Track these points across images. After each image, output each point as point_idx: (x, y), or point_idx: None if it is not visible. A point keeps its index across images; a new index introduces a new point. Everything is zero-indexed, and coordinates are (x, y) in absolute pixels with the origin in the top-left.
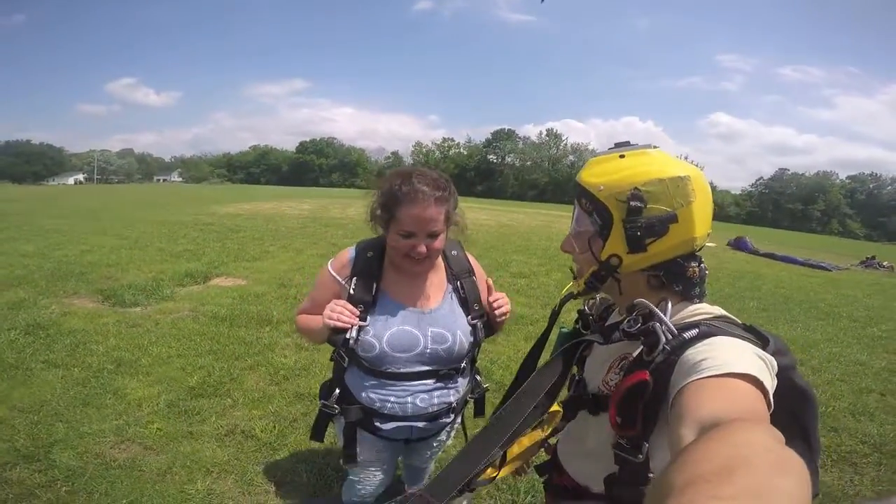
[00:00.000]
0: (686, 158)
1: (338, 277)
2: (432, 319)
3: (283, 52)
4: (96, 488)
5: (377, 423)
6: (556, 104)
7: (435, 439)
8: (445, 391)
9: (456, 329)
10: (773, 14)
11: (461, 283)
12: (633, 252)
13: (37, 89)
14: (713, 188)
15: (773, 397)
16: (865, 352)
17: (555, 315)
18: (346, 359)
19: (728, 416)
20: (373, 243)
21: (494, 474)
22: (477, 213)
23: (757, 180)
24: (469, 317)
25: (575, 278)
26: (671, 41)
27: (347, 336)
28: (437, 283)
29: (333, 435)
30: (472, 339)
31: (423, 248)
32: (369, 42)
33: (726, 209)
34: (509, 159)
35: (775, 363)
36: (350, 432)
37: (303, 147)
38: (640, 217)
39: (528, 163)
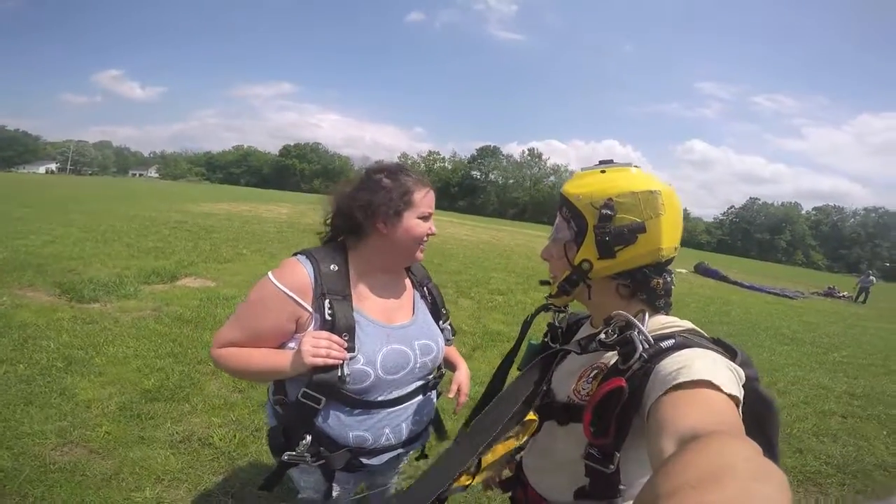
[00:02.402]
0: None
1: (296, 298)
2: (416, 331)
3: (273, 54)
4: (31, 492)
5: (365, 460)
6: (540, 124)
7: (411, 456)
8: (430, 403)
9: (436, 337)
10: (751, 44)
11: (427, 289)
12: (602, 258)
13: (21, 75)
14: (686, 215)
15: (742, 408)
16: (828, 376)
17: (527, 325)
18: (323, 399)
19: (707, 428)
20: (328, 254)
21: (468, 482)
22: (458, 228)
23: (728, 209)
24: (440, 322)
25: (550, 282)
26: (654, 67)
27: (340, 374)
28: (407, 292)
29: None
30: (444, 344)
31: (435, 228)
32: (359, 50)
33: (698, 237)
34: (492, 176)
35: (743, 374)
36: (330, 478)
37: (286, 150)
38: (611, 224)
39: (511, 181)
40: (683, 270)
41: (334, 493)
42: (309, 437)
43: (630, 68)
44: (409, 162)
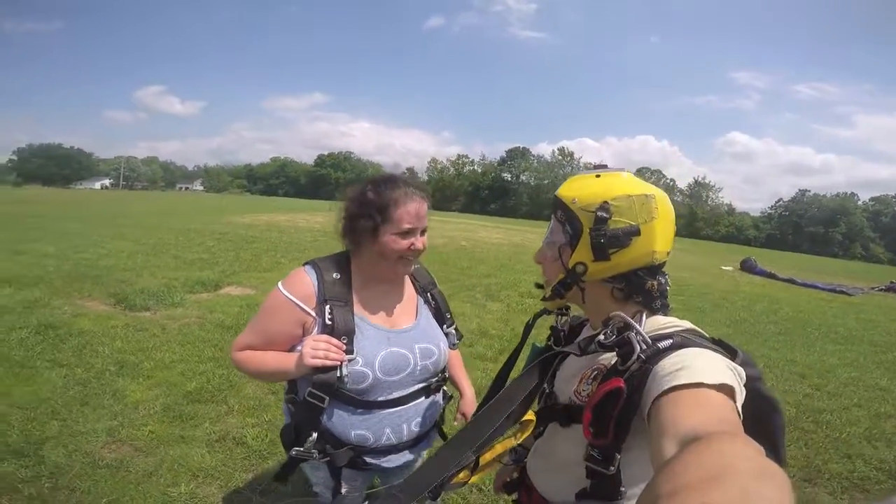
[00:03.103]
0: (703, 179)
1: (301, 305)
2: (417, 335)
3: (303, 66)
4: (79, 486)
5: (369, 459)
6: (570, 122)
7: (419, 459)
8: (434, 406)
9: (438, 341)
10: (786, 31)
11: (430, 295)
12: (597, 260)
13: (68, 94)
14: (731, 210)
15: (742, 408)
16: (886, 377)
17: (528, 328)
18: (326, 398)
19: (707, 429)
20: (333, 262)
21: (466, 479)
22: (489, 231)
23: (777, 202)
24: (444, 326)
25: (546, 311)
26: (683, 58)
27: (339, 374)
28: (409, 298)
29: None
30: (448, 348)
31: (420, 244)
32: (383, 57)
33: (745, 232)
34: (524, 178)
35: (744, 374)
36: (336, 475)
37: (321, 161)
38: (606, 227)
39: (545, 181)
40: (730, 268)
41: (343, 490)
42: (315, 435)
43: (658, 61)
44: (439, 167)
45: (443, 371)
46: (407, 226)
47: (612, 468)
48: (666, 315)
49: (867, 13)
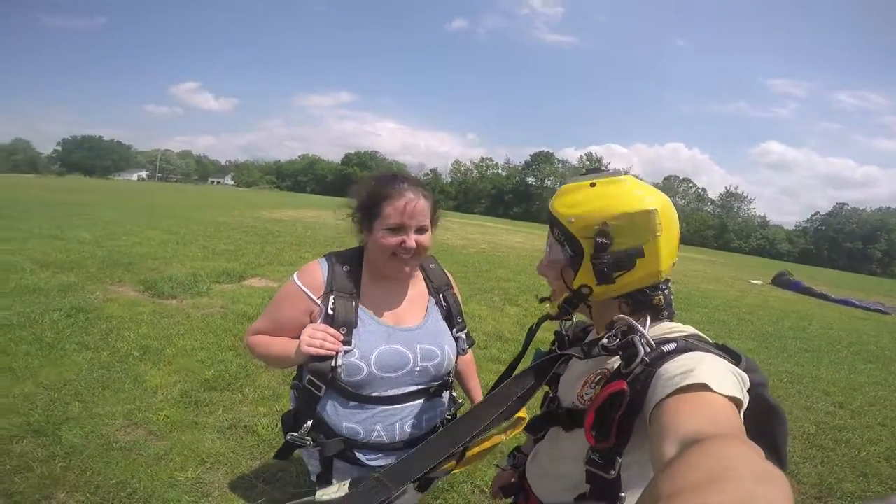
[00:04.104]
0: (736, 189)
1: (310, 294)
2: (420, 335)
3: (330, 64)
4: (91, 466)
5: (360, 455)
6: (598, 127)
7: None
8: (433, 411)
9: (444, 344)
10: (825, 37)
11: (443, 296)
12: (601, 284)
13: (110, 88)
14: (764, 223)
15: (746, 414)
16: None
17: (532, 333)
18: (323, 387)
19: (709, 431)
20: (347, 256)
21: (452, 468)
22: (511, 235)
23: (813, 215)
24: (454, 330)
25: (550, 300)
26: (716, 64)
27: (334, 364)
28: (420, 297)
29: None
30: (456, 352)
31: (412, 242)
32: (409, 58)
33: (777, 246)
34: (548, 183)
35: (747, 379)
36: (327, 463)
37: (348, 159)
38: (607, 253)
39: None
40: (759, 282)
41: (333, 482)
42: (310, 423)
43: (686, 66)
44: (462, 169)
45: (447, 375)
46: (394, 222)
47: (613, 472)
48: (671, 320)
49: None
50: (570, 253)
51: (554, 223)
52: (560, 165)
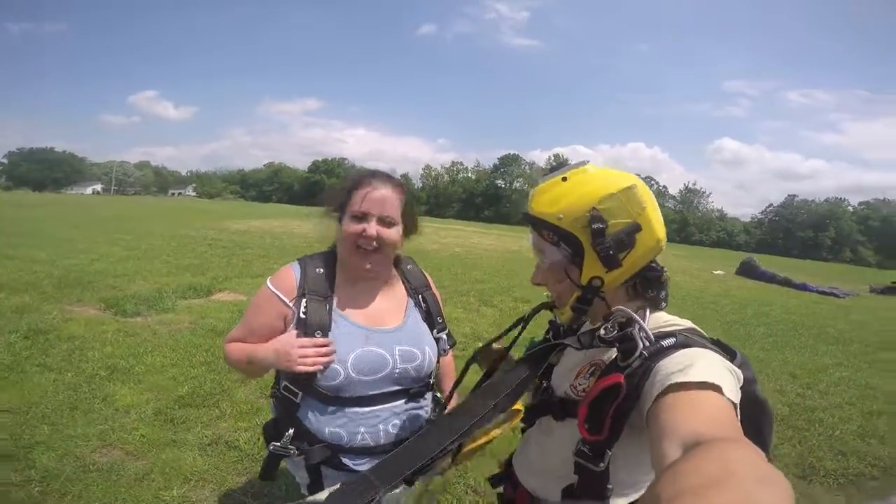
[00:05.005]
0: (694, 185)
1: (283, 298)
2: (399, 337)
3: (296, 71)
4: (70, 490)
5: (346, 460)
6: (563, 129)
7: None
8: (416, 412)
9: (424, 345)
10: (779, 39)
11: (422, 297)
12: (611, 269)
13: (64, 97)
14: (722, 215)
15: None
16: (876, 376)
17: (525, 321)
18: (300, 392)
19: (710, 433)
20: (320, 258)
21: (447, 467)
22: (482, 237)
23: (767, 207)
24: (434, 330)
25: (553, 306)
26: (674, 66)
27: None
28: (398, 298)
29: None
30: (437, 353)
31: (373, 231)
32: (378, 64)
33: (736, 237)
34: (517, 184)
35: (741, 375)
36: (315, 473)
37: (314, 167)
38: (607, 236)
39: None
40: (721, 272)
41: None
42: (291, 430)
43: (647, 68)
44: (433, 173)
45: (428, 376)
46: (359, 208)
47: (602, 465)
48: (665, 305)
49: (862, 19)
50: (568, 250)
51: (541, 225)
52: (527, 167)
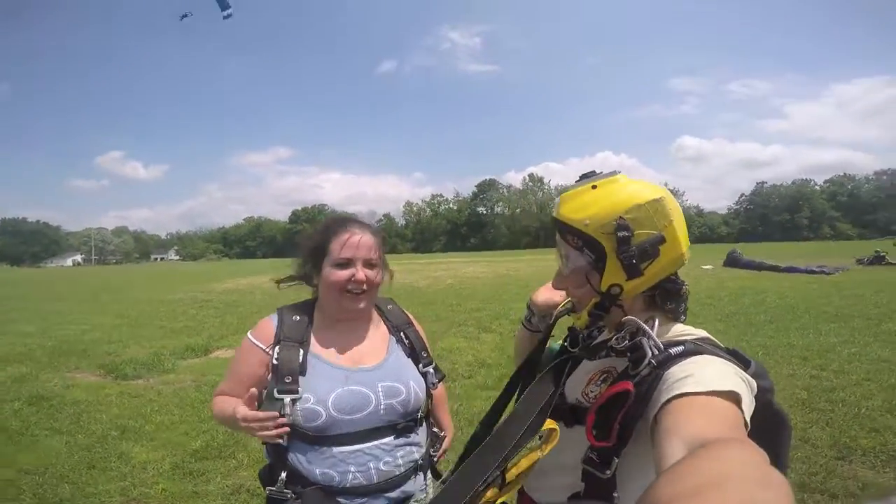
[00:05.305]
0: (666, 185)
1: (261, 345)
2: (381, 374)
3: (264, 120)
4: None
5: (343, 501)
6: (533, 149)
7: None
8: (408, 447)
9: (408, 379)
10: (708, 33)
11: (404, 334)
12: (631, 278)
13: (26, 163)
14: (699, 212)
15: (751, 420)
16: (886, 348)
17: (549, 328)
18: (285, 437)
19: (712, 434)
20: (298, 307)
21: (495, 497)
22: (473, 266)
23: (740, 197)
24: (420, 365)
25: (571, 311)
26: (623, 73)
27: (283, 413)
28: (380, 337)
29: None
30: (425, 388)
31: (362, 275)
32: (343, 106)
33: (717, 230)
34: (498, 209)
35: (755, 385)
36: None
37: (295, 216)
38: (631, 245)
39: (518, 210)
40: (710, 266)
41: None
42: (284, 474)
43: (600, 80)
44: (415, 209)
45: (416, 411)
46: (342, 256)
47: (609, 472)
48: (684, 319)
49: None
50: (591, 256)
51: (567, 231)
52: (505, 190)
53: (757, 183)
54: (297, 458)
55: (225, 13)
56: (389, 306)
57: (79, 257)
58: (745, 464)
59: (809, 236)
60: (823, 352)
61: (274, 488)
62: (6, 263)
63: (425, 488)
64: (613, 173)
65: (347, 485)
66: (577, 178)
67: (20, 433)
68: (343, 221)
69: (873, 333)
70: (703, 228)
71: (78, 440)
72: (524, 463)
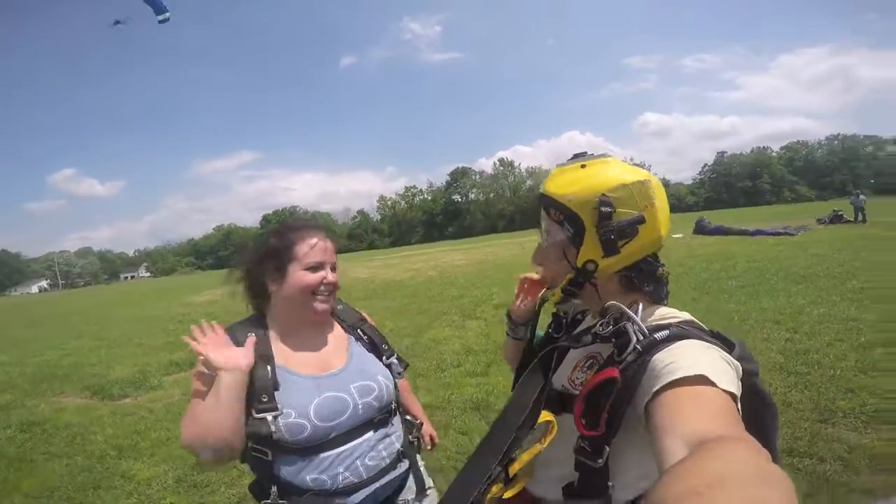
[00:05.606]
0: (632, 160)
1: None
2: (350, 375)
3: (222, 126)
4: None
5: (338, 501)
6: (500, 133)
7: (400, 497)
8: (388, 439)
9: (376, 374)
10: (657, 10)
11: (361, 331)
12: (607, 255)
13: None
14: (665, 183)
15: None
16: (853, 306)
17: (535, 315)
18: (269, 451)
19: (713, 431)
20: (247, 323)
21: (500, 493)
22: (451, 255)
23: (703, 167)
24: (383, 358)
25: (548, 287)
26: (580, 54)
27: (270, 431)
28: (338, 339)
29: None
30: (392, 379)
31: (332, 278)
32: (308, 106)
33: (684, 200)
34: (472, 195)
35: (740, 368)
36: None
37: (266, 220)
38: (611, 221)
39: (491, 195)
40: (681, 235)
41: None
42: (275, 488)
43: (560, 60)
44: (389, 202)
45: (390, 403)
46: (313, 260)
47: (601, 461)
48: (666, 302)
49: None
50: (571, 230)
51: (550, 204)
52: (478, 177)
53: (718, 153)
54: (286, 470)
55: (160, 17)
56: (340, 306)
57: (44, 283)
58: (747, 462)
59: (771, 200)
60: (794, 314)
61: (269, 501)
62: None
63: (413, 480)
64: (604, 155)
65: (339, 486)
66: (570, 158)
67: (19, 459)
68: (303, 227)
69: (839, 292)
70: (672, 199)
71: (77, 462)
72: (525, 457)
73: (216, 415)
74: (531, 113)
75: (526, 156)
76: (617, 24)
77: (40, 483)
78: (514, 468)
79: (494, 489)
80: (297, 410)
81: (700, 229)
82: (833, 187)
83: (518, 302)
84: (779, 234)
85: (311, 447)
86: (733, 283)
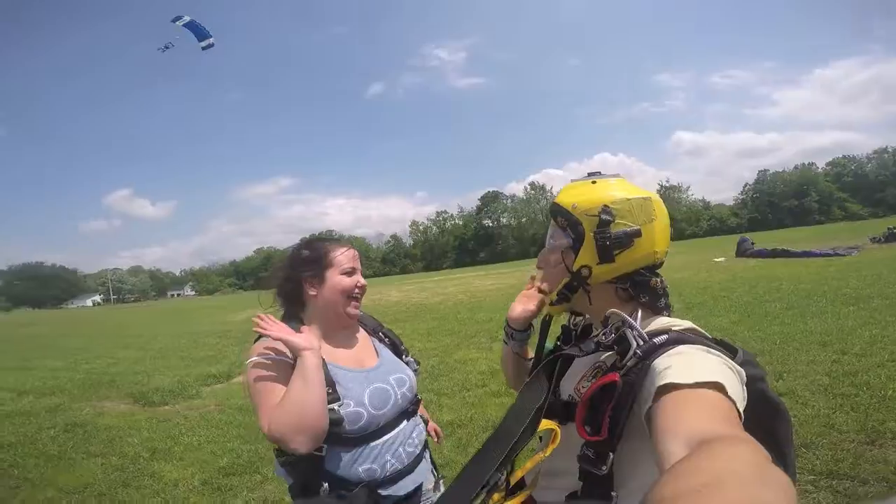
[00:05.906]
0: (668, 182)
1: (287, 359)
2: (388, 369)
3: (262, 152)
4: None
5: (384, 493)
6: (531, 156)
7: (424, 486)
8: (417, 428)
9: (404, 370)
10: (678, 26)
11: (382, 333)
12: (602, 262)
13: (33, 208)
14: (706, 204)
15: (746, 411)
16: None
17: (546, 325)
18: (324, 446)
19: (712, 432)
20: (291, 323)
21: (501, 502)
22: (483, 280)
23: (745, 187)
24: (403, 356)
25: (547, 292)
26: (608, 73)
27: (340, 418)
28: (365, 340)
29: None
30: (413, 374)
31: (364, 282)
32: (338, 132)
33: (727, 222)
34: (504, 220)
35: (744, 374)
36: None
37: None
38: (609, 230)
39: (523, 219)
40: (722, 259)
41: None
42: (326, 485)
43: (585, 81)
44: (421, 228)
45: (416, 394)
46: (349, 265)
47: (605, 468)
48: (669, 313)
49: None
50: (572, 236)
51: (557, 212)
52: (509, 201)
53: (759, 171)
54: (338, 464)
55: (203, 43)
56: (361, 313)
57: (98, 297)
58: (745, 462)
59: (821, 220)
60: (844, 336)
61: (320, 498)
62: (28, 307)
63: (431, 470)
64: (616, 175)
65: (388, 474)
66: (584, 175)
67: (58, 457)
68: (329, 240)
69: (894, 313)
70: (712, 221)
71: (112, 462)
72: (528, 464)
73: (310, 396)
74: (560, 135)
75: (557, 179)
76: (639, 43)
77: (75, 479)
78: (517, 475)
79: (496, 497)
80: (355, 400)
81: (742, 252)
82: (887, 203)
83: (518, 308)
84: (828, 255)
85: (364, 436)
86: (778, 305)
